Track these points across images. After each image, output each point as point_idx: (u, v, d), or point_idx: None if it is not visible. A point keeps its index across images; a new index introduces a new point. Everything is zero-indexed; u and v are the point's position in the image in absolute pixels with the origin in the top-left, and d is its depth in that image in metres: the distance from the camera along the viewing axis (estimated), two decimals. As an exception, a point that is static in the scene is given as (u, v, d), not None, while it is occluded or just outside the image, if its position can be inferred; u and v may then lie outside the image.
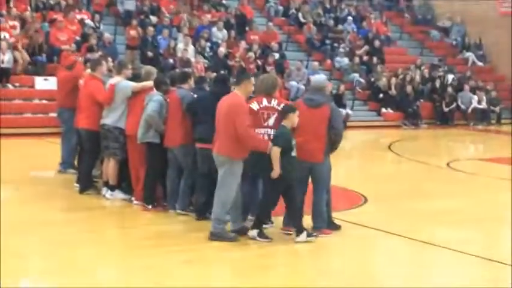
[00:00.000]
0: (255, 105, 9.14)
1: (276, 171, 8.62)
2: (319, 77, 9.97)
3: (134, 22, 23.13)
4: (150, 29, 23.10)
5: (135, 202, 10.43)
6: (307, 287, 7.44)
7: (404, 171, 16.24)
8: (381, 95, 25.31)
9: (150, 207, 10.11)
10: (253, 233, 8.84)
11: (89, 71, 11.47)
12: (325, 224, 9.24)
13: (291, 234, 9.01)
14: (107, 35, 22.24)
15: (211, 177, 9.36)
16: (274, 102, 9.19)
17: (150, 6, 25.18)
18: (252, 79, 9.33)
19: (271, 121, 9.13)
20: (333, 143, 9.10)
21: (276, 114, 9.10)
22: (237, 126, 8.59)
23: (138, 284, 7.15)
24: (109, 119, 10.66)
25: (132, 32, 22.76)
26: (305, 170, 9.08)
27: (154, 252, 8.30)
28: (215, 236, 8.77)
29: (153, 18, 24.56)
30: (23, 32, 20.90)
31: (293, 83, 23.49)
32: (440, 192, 13.11)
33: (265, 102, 9.16)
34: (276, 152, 8.61)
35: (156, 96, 10.12)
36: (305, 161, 8.99)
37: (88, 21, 22.92)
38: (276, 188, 8.80)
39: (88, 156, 11.27)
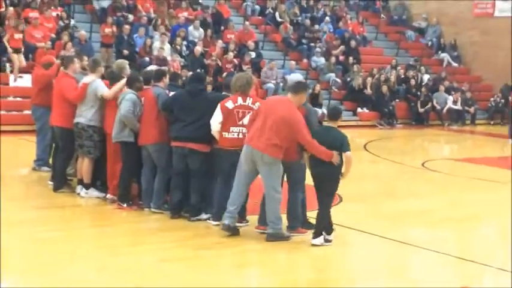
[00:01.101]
0: (229, 104, 9.21)
1: (346, 175, 8.84)
2: (295, 76, 10.02)
3: (110, 20, 23.00)
4: (126, 27, 22.98)
5: (109, 197, 10.41)
6: (282, 286, 7.43)
7: (379, 171, 16.29)
8: (360, 95, 25.39)
9: (125, 205, 10.07)
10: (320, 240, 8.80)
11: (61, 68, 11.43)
12: (300, 223, 9.25)
13: (265, 233, 9.03)
14: (82, 33, 22.09)
15: (186, 175, 9.42)
16: (249, 101, 9.26)
17: (126, 4, 25.05)
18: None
19: (245, 120, 9.22)
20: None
21: (250, 113, 9.16)
22: (300, 139, 8.67)
23: (113, 282, 7.10)
24: (82, 118, 10.58)
25: (107, 30, 22.63)
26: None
27: (130, 251, 8.27)
28: (273, 237, 8.82)
29: (129, 16, 24.44)
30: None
31: (270, 85, 23.48)
32: (415, 192, 13.18)
33: (240, 101, 9.23)
34: (350, 156, 8.74)
35: (129, 94, 10.04)
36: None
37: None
38: (334, 191, 8.94)
39: (62, 154, 11.18)
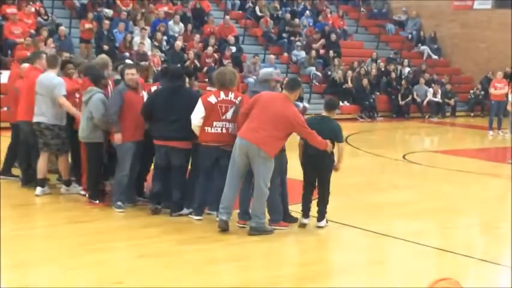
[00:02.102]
0: (212, 99, 9.20)
1: (339, 166, 9.27)
2: (265, 70, 10.10)
3: (89, 15, 22.89)
4: (106, 22, 22.89)
5: (82, 193, 10.44)
6: (263, 279, 7.44)
7: (361, 163, 16.32)
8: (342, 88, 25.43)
9: (97, 202, 10.02)
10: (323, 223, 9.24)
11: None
12: (281, 216, 9.28)
13: (245, 227, 9.07)
14: (62, 28, 21.97)
15: (169, 170, 9.43)
16: (231, 96, 9.27)
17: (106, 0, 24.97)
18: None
19: (229, 114, 9.23)
20: None
21: (233, 108, 9.18)
22: (302, 132, 8.88)
23: (91, 279, 7.08)
24: (44, 117, 10.30)
25: (87, 25, 22.52)
26: None
27: (108, 247, 8.24)
28: (256, 231, 8.85)
29: (109, 12, 24.35)
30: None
31: (250, 79, 23.47)
32: (397, 184, 13.24)
33: (222, 95, 9.23)
34: (343, 147, 9.34)
35: (97, 94, 9.84)
36: None
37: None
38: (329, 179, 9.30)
39: (29, 150, 10.91)
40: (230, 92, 9.30)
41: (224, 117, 9.21)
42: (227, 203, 8.86)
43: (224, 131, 9.20)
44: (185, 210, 9.57)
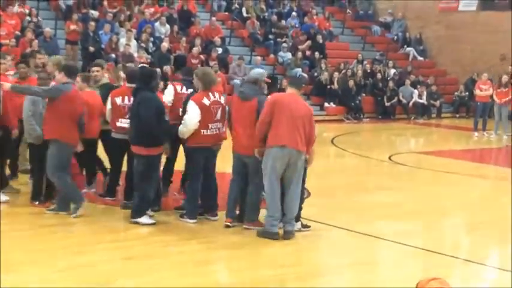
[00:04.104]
0: (206, 100, 9.22)
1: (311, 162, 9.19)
2: (256, 70, 9.98)
3: (75, 16, 22.82)
4: (92, 23, 22.82)
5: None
6: (248, 280, 7.44)
7: (347, 165, 16.38)
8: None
9: (37, 203, 9.90)
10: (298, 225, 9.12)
11: None
12: (257, 216, 9.29)
13: (230, 225, 9.11)
14: (47, 30, 21.90)
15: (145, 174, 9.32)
16: (217, 96, 9.34)
17: (91, 1, 24.89)
18: None
19: (218, 115, 9.30)
20: None
21: (221, 108, 9.25)
22: (313, 134, 8.93)
23: (77, 282, 7.04)
24: None
25: (73, 27, 22.45)
26: (239, 162, 9.21)
27: (94, 249, 8.21)
28: (292, 234, 8.88)
29: (95, 13, 24.29)
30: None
31: (236, 81, 23.48)
32: (383, 185, 13.26)
33: (212, 96, 9.28)
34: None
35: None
36: (238, 154, 9.17)
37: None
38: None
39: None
40: (216, 93, 9.38)
41: (216, 118, 9.27)
42: (279, 214, 8.83)
43: (217, 131, 9.31)
44: (143, 219, 9.21)
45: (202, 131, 9.19)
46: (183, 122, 9.22)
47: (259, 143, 8.87)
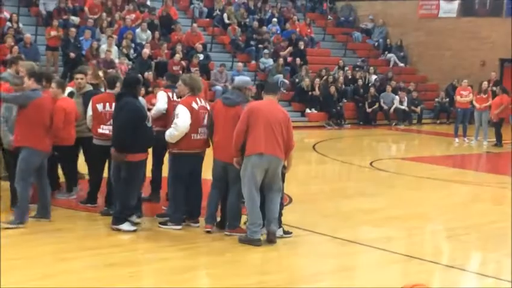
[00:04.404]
0: (195, 105, 9.27)
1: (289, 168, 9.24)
2: (242, 77, 10.09)
3: (55, 22, 22.73)
4: (72, 29, 22.73)
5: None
6: (231, 287, 7.42)
7: (328, 171, 16.41)
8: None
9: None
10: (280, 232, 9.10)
11: None
12: (239, 222, 9.28)
13: (211, 231, 9.11)
14: (28, 36, 21.79)
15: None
16: (203, 101, 9.47)
17: (72, 7, 24.80)
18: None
19: (205, 120, 9.37)
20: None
21: (207, 114, 9.34)
22: (291, 140, 8.96)
23: (60, 288, 7.02)
24: None
25: (53, 33, 22.36)
26: (220, 169, 9.19)
27: (76, 256, 8.16)
28: (276, 238, 8.89)
29: (75, 19, 24.20)
30: None
31: (218, 87, 23.46)
32: (364, 191, 13.29)
33: (199, 101, 9.36)
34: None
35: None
36: (220, 161, 9.16)
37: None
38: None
39: None
40: (201, 98, 9.45)
41: (203, 123, 9.33)
42: (260, 221, 8.82)
43: (205, 136, 9.38)
44: (124, 226, 9.15)
45: (192, 135, 9.21)
46: (173, 125, 9.19)
47: (237, 152, 8.86)
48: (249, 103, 9.12)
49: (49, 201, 9.70)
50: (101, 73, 11.19)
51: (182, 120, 9.14)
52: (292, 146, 9.02)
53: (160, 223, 9.49)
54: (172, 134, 9.21)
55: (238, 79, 9.84)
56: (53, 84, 10.20)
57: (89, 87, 10.96)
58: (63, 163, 10.83)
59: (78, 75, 11.04)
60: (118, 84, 9.95)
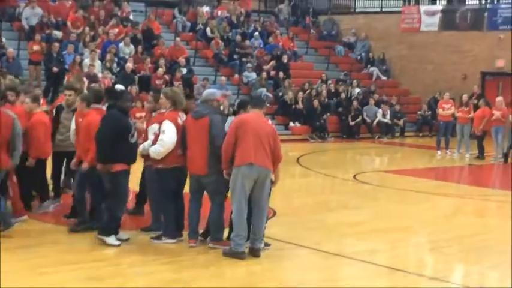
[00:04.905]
0: (180, 120, 9.28)
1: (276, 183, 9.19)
2: (208, 90, 10.16)
3: (38, 37, 22.68)
4: (55, 44, 22.68)
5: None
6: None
7: (312, 184, 16.43)
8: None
9: None
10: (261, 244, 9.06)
11: None
12: (222, 235, 9.29)
13: (195, 246, 9.10)
14: (10, 50, 21.73)
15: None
16: (185, 116, 9.44)
17: (55, 21, 24.75)
18: None
19: None
20: (215, 155, 9.00)
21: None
22: (279, 152, 8.92)
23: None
24: None
25: (36, 47, 22.31)
26: (195, 183, 9.24)
27: (58, 270, 8.13)
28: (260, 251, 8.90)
29: (58, 33, 24.16)
30: None
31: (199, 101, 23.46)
32: (348, 204, 13.33)
33: (183, 116, 9.35)
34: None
35: None
36: (194, 175, 9.21)
37: None
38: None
39: None
40: (183, 113, 9.44)
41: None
42: (245, 233, 8.80)
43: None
44: (110, 240, 9.12)
45: (178, 150, 9.21)
46: (160, 142, 9.16)
47: (227, 164, 8.85)
48: (236, 116, 9.14)
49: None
50: (84, 78, 11.16)
51: (168, 136, 9.12)
52: (281, 157, 9.02)
53: (152, 238, 9.45)
54: (158, 150, 9.18)
55: (205, 92, 9.87)
56: (27, 99, 10.18)
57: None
58: (35, 176, 10.74)
59: (67, 92, 10.98)
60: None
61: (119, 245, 9.10)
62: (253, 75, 26.51)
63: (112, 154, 9.04)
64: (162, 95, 9.60)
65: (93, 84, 17.97)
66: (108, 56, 23.38)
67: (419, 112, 28.55)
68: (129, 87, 21.14)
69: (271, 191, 9.17)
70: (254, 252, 8.86)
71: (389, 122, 27.19)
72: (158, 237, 9.41)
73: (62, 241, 9.44)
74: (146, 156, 9.52)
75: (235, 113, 9.78)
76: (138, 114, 11.80)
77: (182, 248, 9.13)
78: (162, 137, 9.15)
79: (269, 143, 8.81)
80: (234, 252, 8.75)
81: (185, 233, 9.43)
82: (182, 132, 9.22)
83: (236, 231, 8.80)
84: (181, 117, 9.35)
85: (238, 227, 8.78)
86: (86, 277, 7.88)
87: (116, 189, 9.16)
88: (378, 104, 27.51)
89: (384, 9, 31.84)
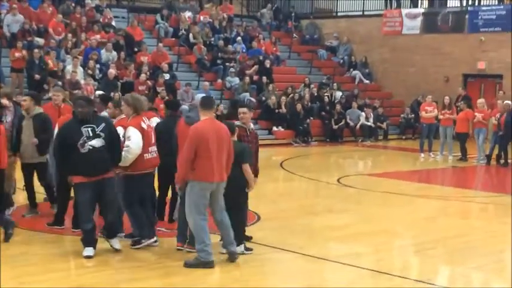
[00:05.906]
0: (144, 124, 9.26)
1: (252, 186, 9.14)
2: (200, 95, 10.08)
3: (19, 44, 22.58)
4: (36, 51, 22.57)
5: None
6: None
7: (296, 188, 16.44)
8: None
9: None
10: (241, 248, 9.03)
11: None
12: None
13: (182, 249, 9.10)
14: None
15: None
16: (148, 120, 9.54)
17: (36, 28, 24.65)
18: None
19: (153, 138, 9.45)
20: None
21: (153, 132, 9.49)
22: (231, 154, 8.72)
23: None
24: None
25: (18, 54, 22.21)
26: (184, 186, 9.15)
27: (42, 279, 8.08)
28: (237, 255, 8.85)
29: (40, 40, 24.07)
30: None
31: (184, 106, 23.41)
32: (332, 207, 13.35)
33: (146, 120, 9.39)
34: (248, 168, 9.02)
35: None
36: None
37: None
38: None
39: None
40: (145, 117, 9.48)
41: (153, 141, 9.39)
42: (209, 241, 8.63)
43: (156, 155, 9.42)
44: (86, 251, 8.93)
45: (145, 155, 9.21)
46: (126, 148, 9.06)
47: (183, 180, 8.61)
48: (191, 127, 8.72)
49: None
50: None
51: (134, 142, 9.07)
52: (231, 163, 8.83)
53: (132, 244, 9.38)
54: (126, 157, 9.09)
55: (197, 97, 9.89)
56: None
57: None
58: None
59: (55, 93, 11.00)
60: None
61: (90, 257, 8.85)
62: (236, 80, 26.52)
63: (63, 166, 8.97)
64: (123, 102, 9.53)
65: (75, 91, 17.97)
66: (90, 63, 23.32)
67: (402, 115, 28.65)
68: (111, 94, 21.12)
69: (248, 195, 9.20)
70: (231, 257, 8.82)
71: (373, 125, 27.27)
72: (137, 242, 9.34)
73: (45, 249, 9.38)
74: None
75: (227, 117, 9.79)
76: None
77: (167, 254, 9.09)
78: (127, 143, 9.07)
79: (228, 150, 8.66)
80: (202, 262, 8.54)
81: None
82: (174, 138, 9.20)
83: (199, 242, 8.56)
84: (145, 121, 9.34)
85: (199, 238, 8.56)
86: (69, 286, 7.83)
87: (77, 200, 9.12)
88: (361, 107, 27.58)
89: (365, 13, 31.92)
